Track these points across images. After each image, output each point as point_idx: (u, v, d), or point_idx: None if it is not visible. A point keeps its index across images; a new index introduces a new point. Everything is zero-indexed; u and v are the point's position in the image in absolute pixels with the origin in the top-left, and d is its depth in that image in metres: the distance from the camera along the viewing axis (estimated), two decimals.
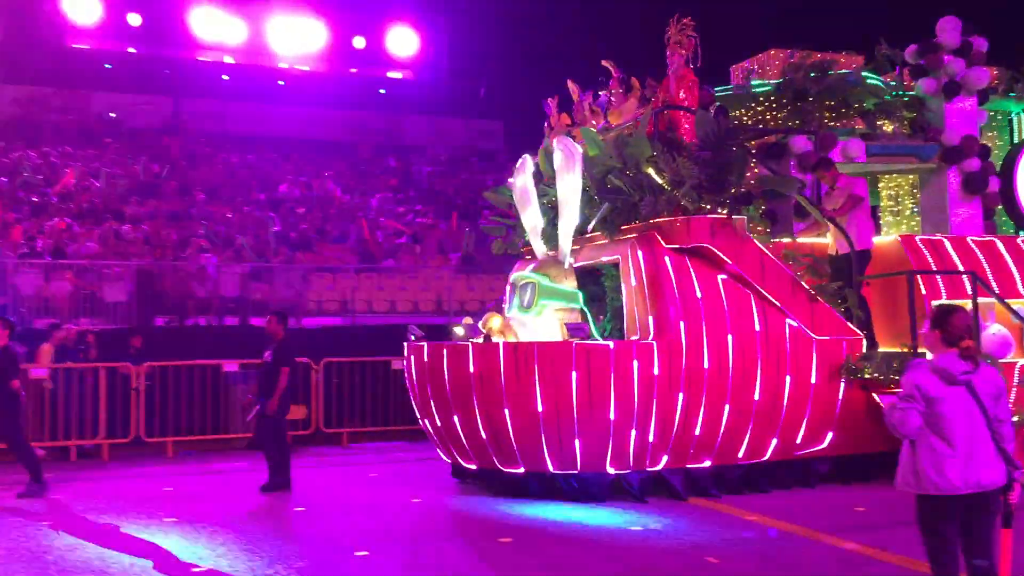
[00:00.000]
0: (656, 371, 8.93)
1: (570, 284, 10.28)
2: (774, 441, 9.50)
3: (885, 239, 10.79)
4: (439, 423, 9.77)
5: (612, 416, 8.88)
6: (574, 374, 8.82)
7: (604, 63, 10.77)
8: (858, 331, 9.74)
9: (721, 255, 9.25)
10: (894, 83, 11.41)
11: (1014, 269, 10.65)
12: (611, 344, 8.98)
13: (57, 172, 22.83)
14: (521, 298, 10.38)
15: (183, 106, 30.24)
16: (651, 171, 9.37)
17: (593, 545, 7.53)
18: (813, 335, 9.52)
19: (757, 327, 9.33)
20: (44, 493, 10.16)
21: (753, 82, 10.90)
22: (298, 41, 29.06)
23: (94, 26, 27.18)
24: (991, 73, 11.36)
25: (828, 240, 10.33)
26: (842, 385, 9.62)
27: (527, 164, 10.58)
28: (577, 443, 8.92)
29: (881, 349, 10.04)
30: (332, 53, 30.68)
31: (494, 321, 9.97)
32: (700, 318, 9.13)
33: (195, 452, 13.59)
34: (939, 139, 11.08)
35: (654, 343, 9.01)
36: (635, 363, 8.89)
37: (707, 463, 9.33)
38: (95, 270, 16.66)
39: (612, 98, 10.90)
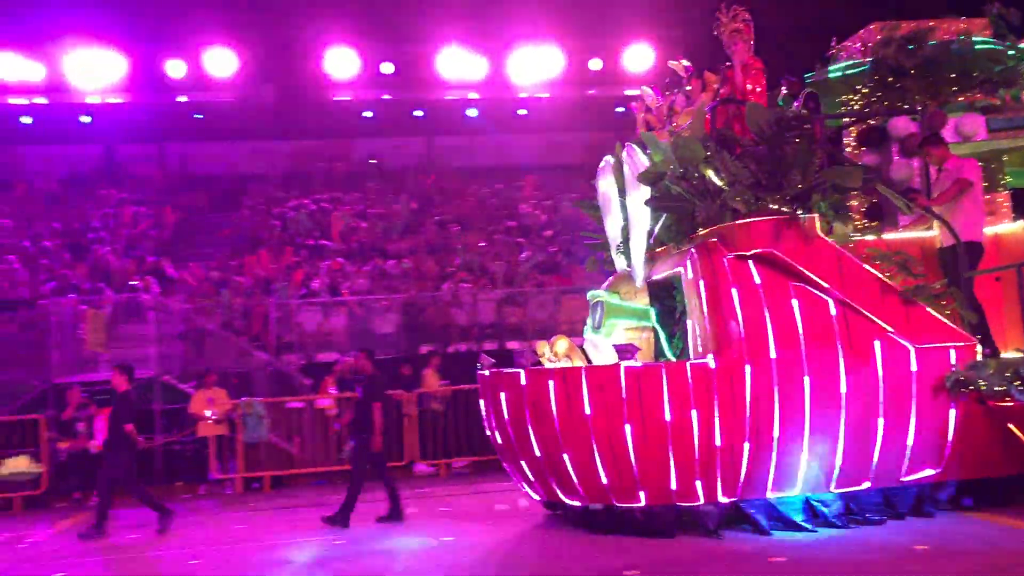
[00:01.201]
0: (716, 396, 8.07)
1: (642, 301, 9.61)
2: (873, 465, 8.35)
3: (1008, 226, 9.28)
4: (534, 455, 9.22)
5: (670, 447, 8.11)
6: (624, 397, 8.14)
7: (673, 63, 10.01)
8: (970, 336, 8.40)
9: (787, 259, 8.26)
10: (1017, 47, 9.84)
11: None
12: (663, 367, 8.22)
13: (328, 217, 24.75)
14: (593, 318, 9.83)
15: (435, 143, 31.82)
16: (710, 173, 8.54)
17: None
18: (910, 343, 8.30)
19: (838, 338, 8.24)
20: (168, 525, 10.63)
21: (843, 64, 9.74)
22: (536, 70, 30.03)
23: (352, 79, 29.20)
24: None
25: (935, 233, 9.01)
26: (952, 400, 8.33)
27: (609, 167, 9.99)
28: (632, 471, 8.22)
29: (1009, 355, 8.63)
30: (569, 77, 31.33)
31: (560, 345, 9.47)
32: (765, 332, 8.18)
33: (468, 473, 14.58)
34: None
35: (712, 363, 8.17)
36: (690, 386, 8.09)
37: (796, 491, 8.32)
38: (366, 305, 18.18)
39: (688, 97, 10.11)
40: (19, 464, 13.38)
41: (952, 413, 8.35)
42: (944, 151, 8.78)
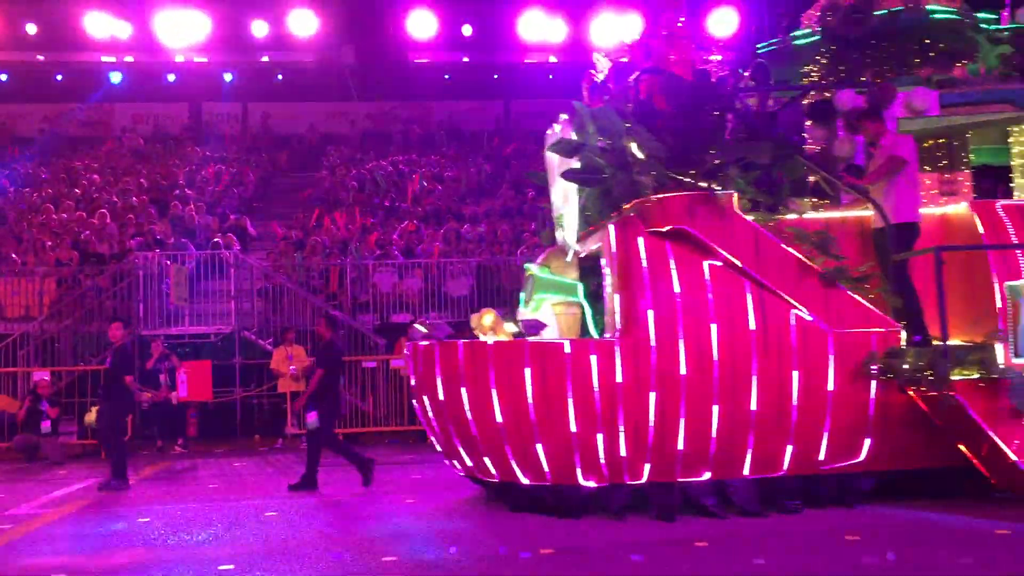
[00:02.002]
0: (620, 372, 7.87)
1: (572, 276, 9.40)
2: (788, 453, 8.07)
3: (955, 207, 8.82)
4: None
5: (572, 423, 7.95)
6: (528, 373, 7.99)
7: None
8: (894, 321, 8.03)
9: (701, 237, 7.97)
10: (986, 17, 9.30)
11: None
12: (566, 342, 8.03)
13: (405, 179, 25.04)
14: (526, 292, 9.65)
15: (512, 107, 31.82)
16: (634, 146, 8.26)
17: None
18: (828, 327, 7.97)
19: (752, 320, 7.95)
20: (124, 489, 10.79)
21: (798, 34, 9.33)
22: (616, 33, 29.74)
23: (432, 40, 29.20)
24: None
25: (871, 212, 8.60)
26: (874, 387, 7.99)
27: (555, 136, 9.73)
28: (540, 451, 8.08)
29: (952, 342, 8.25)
30: (646, 40, 30.89)
31: (486, 318, 9.31)
32: (676, 311, 7.93)
33: None
34: None
35: (617, 341, 7.96)
36: (594, 363, 7.89)
37: (706, 476, 8.10)
38: (441, 267, 18.31)
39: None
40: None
41: (872, 401, 8.02)
42: (879, 127, 8.35)
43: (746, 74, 9.56)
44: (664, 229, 8.04)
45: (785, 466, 8.11)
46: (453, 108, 31.20)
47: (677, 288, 7.96)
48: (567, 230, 9.39)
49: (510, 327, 9.28)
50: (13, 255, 18.69)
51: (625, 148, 8.15)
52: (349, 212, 22.27)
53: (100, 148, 28.00)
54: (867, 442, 8.09)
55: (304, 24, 28.05)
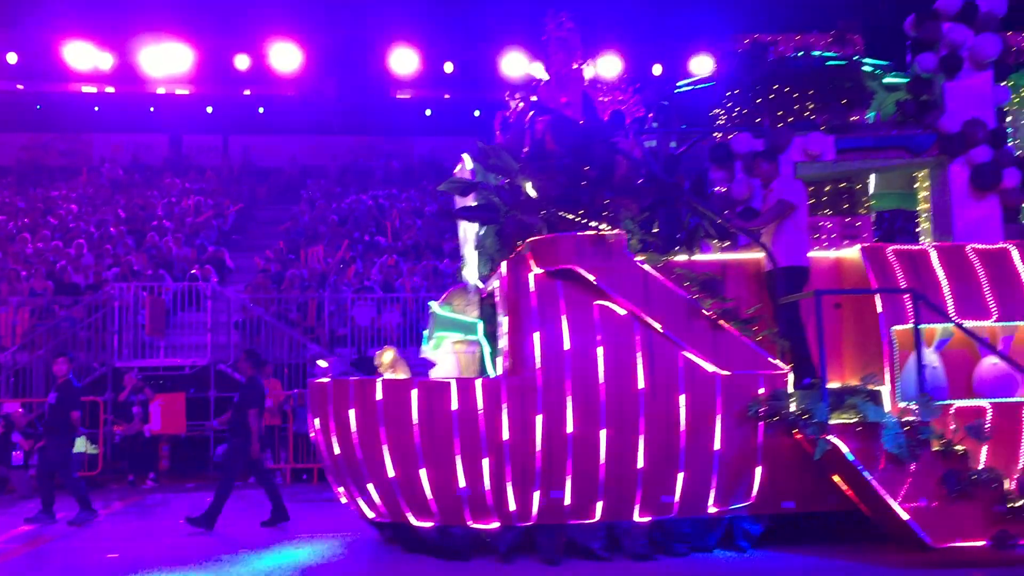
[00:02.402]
0: (506, 412, 7.81)
1: (473, 314, 9.36)
2: (677, 495, 8.02)
3: (848, 252, 8.89)
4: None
5: (459, 463, 7.86)
6: (415, 413, 7.90)
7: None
8: (781, 364, 8.04)
9: (590, 277, 7.96)
10: (881, 64, 9.45)
11: None
12: (453, 381, 7.97)
13: (385, 213, 24.98)
14: (429, 330, 9.60)
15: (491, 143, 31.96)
16: (528, 186, 8.27)
17: None
18: (716, 369, 7.96)
19: (640, 362, 7.93)
20: (93, 518, 10.65)
21: (697, 78, 9.42)
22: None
23: (414, 76, 29.30)
24: (1006, 41, 9.07)
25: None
26: (761, 430, 7.98)
27: (460, 173, 9.70)
28: (427, 490, 7.97)
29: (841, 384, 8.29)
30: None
31: (386, 355, 9.26)
32: (563, 352, 7.89)
33: None
34: (936, 126, 9.00)
35: (503, 380, 7.90)
36: (479, 402, 7.83)
37: (595, 518, 8.02)
38: (419, 302, 18.16)
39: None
40: (77, 445, 13.62)
41: (760, 444, 8.01)
42: (772, 170, 8.41)
43: (650, 115, 9.63)
44: (555, 269, 8.03)
45: (675, 509, 8.06)
46: (434, 144, 31.25)
47: (566, 328, 7.93)
48: (468, 268, 9.37)
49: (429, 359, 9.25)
50: None
51: (519, 187, 8.15)
52: (328, 245, 22.22)
53: (78, 178, 27.87)
54: (756, 485, 8.07)
55: (287, 58, 27.98)
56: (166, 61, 27.76)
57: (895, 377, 7.98)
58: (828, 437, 7.37)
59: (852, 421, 7.40)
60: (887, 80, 9.45)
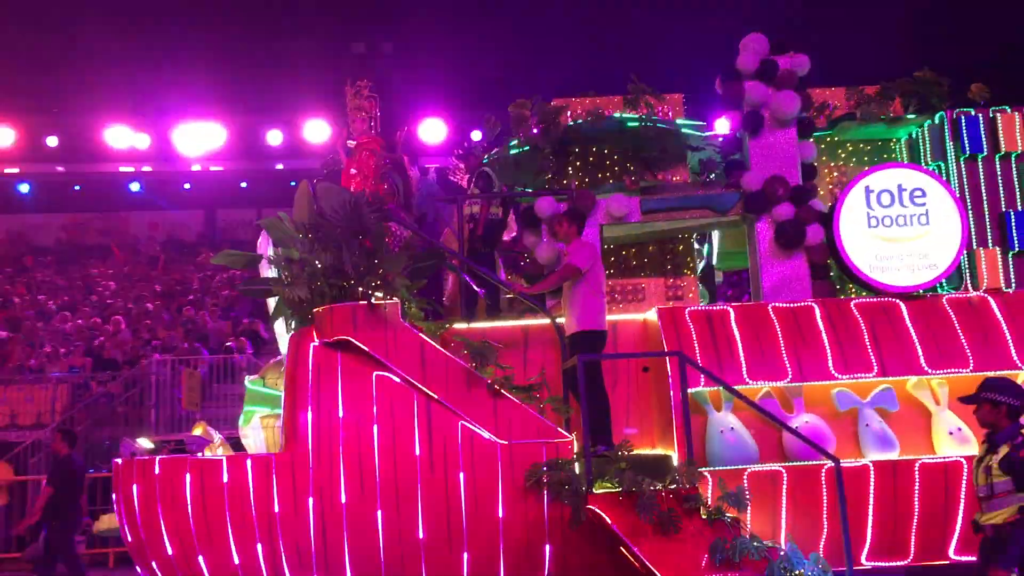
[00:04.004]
0: (276, 492, 7.58)
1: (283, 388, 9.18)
2: (465, 570, 7.73)
3: (646, 314, 8.72)
4: None
5: (232, 543, 7.62)
6: (188, 491, 7.70)
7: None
8: (564, 432, 7.82)
9: (366, 348, 7.80)
10: (697, 124, 9.40)
11: (826, 342, 8.20)
12: (224, 458, 7.77)
13: None
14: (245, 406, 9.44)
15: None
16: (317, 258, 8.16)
17: None
18: (498, 439, 7.74)
19: (417, 432, 7.72)
20: None
21: (512, 143, 9.38)
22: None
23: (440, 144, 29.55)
24: (802, 98, 8.97)
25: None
26: (546, 502, 7.70)
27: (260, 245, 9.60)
28: (204, 568, 7.72)
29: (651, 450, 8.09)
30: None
31: (196, 430, 9.09)
32: (337, 425, 7.70)
33: None
34: (740, 184, 8.90)
35: (273, 458, 7.71)
36: (249, 481, 7.62)
37: None
38: None
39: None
40: (114, 521, 13.39)
41: (547, 515, 7.74)
42: (568, 232, 8.28)
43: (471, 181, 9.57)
44: (332, 340, 7.89)
45: None
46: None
47: (340, 401, 7.76)
48: (280, 341, 9.23)
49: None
50: (32, 361, 18.49)
51: (300, 259, 8.05)
52: None
53: (116, 256, 28.23)
54: (547, 557, 7.78)
55: (318, 132, 28.27)
56: (201, 139, 28.29)
57: (684, 441, 7.73)
58: (589, 507, 7.12)
59: (615, 491, 7.14)
60: (691, 140, 9.36)
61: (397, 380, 7.84)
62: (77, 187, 31.34)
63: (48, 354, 19.02)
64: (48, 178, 30.69)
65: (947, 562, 7.97)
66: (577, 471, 7.53)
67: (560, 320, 8.26)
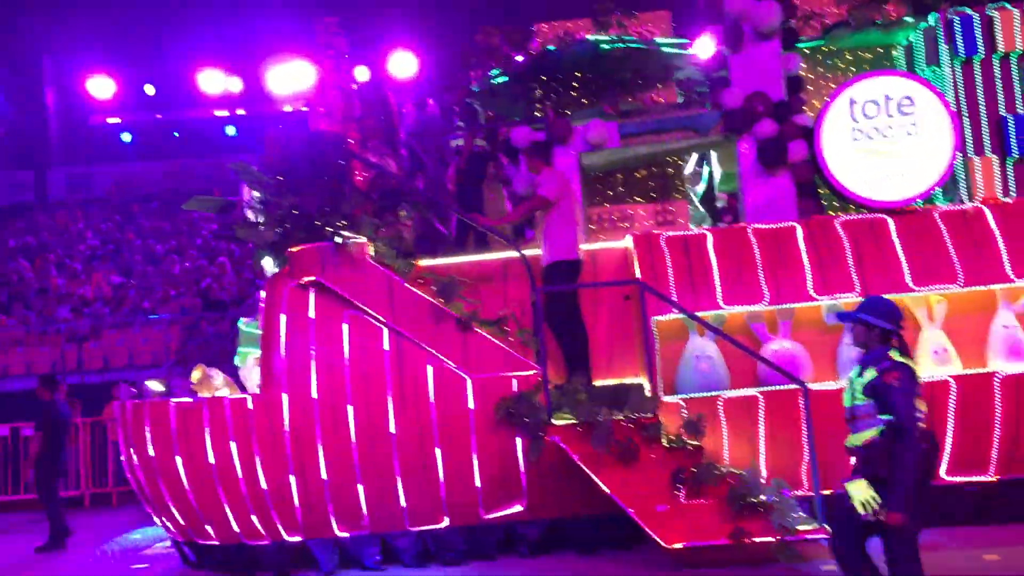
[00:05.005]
0: (254, 432, 7.78)
1: None
2: (444, 505, 7.85)
3: (620, 242, 8.54)
4: None
5: (217, 483, 7.88)
6: (175, 433, 7.97)
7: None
8: (534, 365, 7.78)
9: (334, 288, 7.87)
10: (681, 43, 9.05)
11: (807, 263, 7.93)
12: (205, 401, 7.99)
13: None
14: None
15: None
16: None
17: None
18: (467, 374, 7.76)
19: (388, 372, 7.80)
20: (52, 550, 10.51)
21: (493, 73, 9.21)
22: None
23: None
24: (784, 6, 8.52)
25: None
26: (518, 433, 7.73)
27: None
28: (195, 509, 8.03)
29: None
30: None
31: (194, 374, 9.31)
32: (310, 366, 7.82)
33: None
34: (720, 102, 8.57)
35: (249, 398, 7.89)
36: (229, 423, 7.83)
37: (365, 531, 7.92)
38: None
39: None
40: None
41: (521, 447, 7.76)
42: (538, 163, 8.14)
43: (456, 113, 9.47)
44: (304, 281, 7.97)
45: (446, 519, 7.89)
46: None
47: (313, 342, 7.87)
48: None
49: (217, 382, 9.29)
50: (145, 304, 19.42)
51: (269, 201, 8.12)
52: None
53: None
54: (524, 489, 7.83)
55: (404, 66, 28.31)
56: (291, 79, 28.55)
57: (655, 370, 7.64)
58: (549, 439, 7.12)
59: (573, 422, 7.12)
60: (670, 59, 9.03)
61: (368, 319, 7.91)
62: (176, 133, 32.51)
63: (160, 297, 19.74)
64: (148, 126, 31.99)
65: (937, 483, 7.75)
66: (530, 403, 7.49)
67: (531, 253, 8.17)
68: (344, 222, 7.81)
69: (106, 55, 28.71)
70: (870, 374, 4.61)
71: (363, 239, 7.86)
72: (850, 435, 4.75)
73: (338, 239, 7.74)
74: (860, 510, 4.56)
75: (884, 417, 4.55)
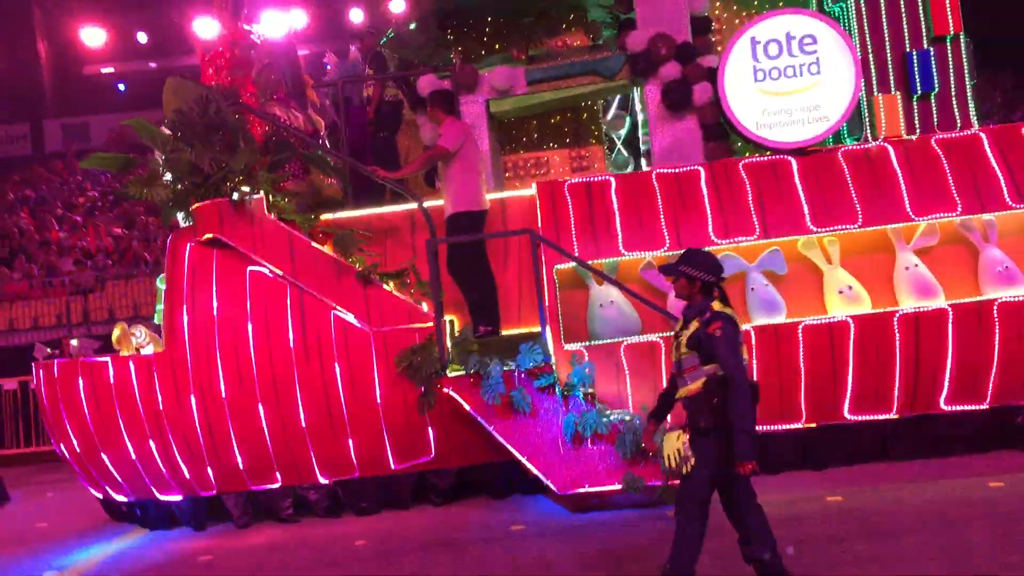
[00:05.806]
0: (159, 390, 7.82)
1: None
2: (353, 456, 7.92)
3: (529, 191, 8.48)
4: None
5: (127, 440, 7.94)
6: (82, 393, 8.01)
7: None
8: (429, 316, 7.78)
9: (234, 244, 7.84)
10: None
11: (708, 207, 7.90)
12: (109, 360, 8.01)
13: None
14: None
15: None
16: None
17: None
18: (369, 327, 7.78)
19: (290, 327, 7.80)
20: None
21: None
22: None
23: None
24: None
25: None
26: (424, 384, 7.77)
27: None
28: (109, 466, 8.10)
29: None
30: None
31: (115, 332, 9.33)
32: (212, 323, 7.83)
33: None
34: (624, 45, 8.45)
35: (155, 356, 7.91)
36: (134, 380, 7.86)
37: (276, 483, 8.02)
38: None
39: None
40: None
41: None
42: (439, 113, 8.05)
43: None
44: (204, 238, 7.94)
45: (357, 469, 7.97)
46: None
47: (215, 298, 7.87)
48: None
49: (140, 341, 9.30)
50: (147, 255, 19.24)
51: (167, 158, 8.04)
52: None
53: None
54: (431, 439, 7.90)
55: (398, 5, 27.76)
56: (281, 24, 28.02)
57: (556, 318, 7.65)
58: (442, 390, 7.16)
59: (464, 374, 7.15)
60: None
61: (269, 274, 7.90)
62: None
63: (160, 247, 19.31)
64: (142, 75, 31.21)
65: (842, 423, 7.84)
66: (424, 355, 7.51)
67: (430, 204, 8.12)
68: (241, 177, 7.75)
69: (96, 3, 28.16)
70: (693, 326, 4.61)
71: (260, 195, 7.81)
72: (679, 388, 4.76)
73: (235, 195, 7.69)
74: (665, 463, 4.60)
75: (707, 368, 4.57)
